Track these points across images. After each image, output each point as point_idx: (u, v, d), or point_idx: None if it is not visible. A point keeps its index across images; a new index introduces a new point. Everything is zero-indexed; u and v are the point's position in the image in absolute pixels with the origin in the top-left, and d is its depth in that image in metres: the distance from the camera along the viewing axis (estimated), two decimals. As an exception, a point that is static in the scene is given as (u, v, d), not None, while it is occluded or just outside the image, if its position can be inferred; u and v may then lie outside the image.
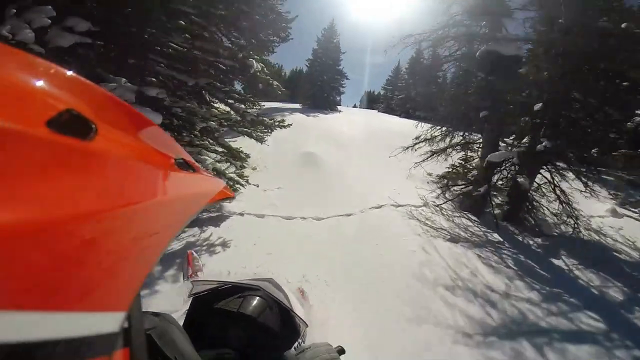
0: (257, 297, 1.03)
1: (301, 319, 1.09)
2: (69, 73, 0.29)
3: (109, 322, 0.25)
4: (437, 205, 5.81)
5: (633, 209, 6.97)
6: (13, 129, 0.18)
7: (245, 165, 5.15)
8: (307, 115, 15.07)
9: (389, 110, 31.91)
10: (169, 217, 0.35)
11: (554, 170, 5.35)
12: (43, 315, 0.19)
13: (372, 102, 72.87)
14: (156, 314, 0.75)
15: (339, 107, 24.50)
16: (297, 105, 24.41)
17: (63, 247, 0.20)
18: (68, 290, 0.21)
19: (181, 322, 0.97)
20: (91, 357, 0.23)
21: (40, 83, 0.25)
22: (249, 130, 4.89)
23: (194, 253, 2.02)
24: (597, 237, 5.39)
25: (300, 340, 1.09)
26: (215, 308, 0.98)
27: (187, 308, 1.04)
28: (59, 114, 0.22)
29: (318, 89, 24.79)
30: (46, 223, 0.18)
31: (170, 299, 1.91)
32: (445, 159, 6.61)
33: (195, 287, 1.08)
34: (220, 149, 4.64)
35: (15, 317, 0.17)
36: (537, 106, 5.08)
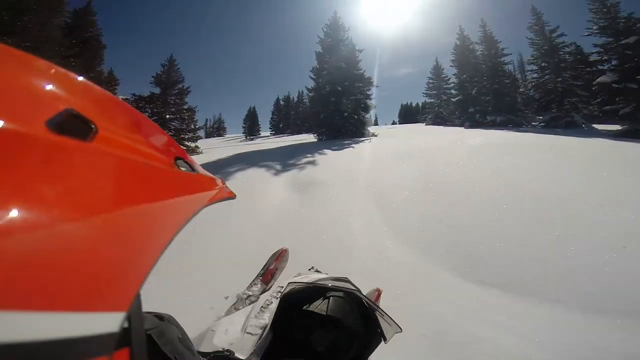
0: (342, 298, 1.01)
1: (393, 320, 1.04)
2: (69, 73, 0.29)
3: (109, 322, 0.24)
4: None
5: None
6: (13, 129, 0.18)
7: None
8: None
9: (440, 120, 27.15)
10: (169, 217, 0.35)
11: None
12: (43, 315, 0.19)
13: (411, 115, 70.07)
14: (156, 314, 0.74)
15: (370, 130, 16.94)
16: (308, 138, 18.53)
17: (63, 247, 0.20)
18: (68, 290, 0.21)
19: (259, 322, 1.01)
20: (91, 357, 0.23)
21: (40, 83, 0.26)
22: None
23: (288, 252, 2.05)
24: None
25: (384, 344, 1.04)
26: (304, 310, 0.97)
27: (275, 309, 1.02)
28: (59, 114, 0.22)
29: (333, 107, 16.35)
30: (46, 223, 0.18)
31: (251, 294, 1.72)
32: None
33: (286, 287, 1.07)
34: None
35: (15, 317, 0.17)
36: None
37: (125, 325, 0.29)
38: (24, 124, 0.19)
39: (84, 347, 0.22)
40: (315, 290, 1.03)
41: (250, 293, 1.72)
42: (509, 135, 11.87)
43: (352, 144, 12.48)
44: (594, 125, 17.75)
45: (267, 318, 1.03)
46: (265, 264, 2.02)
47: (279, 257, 2.04)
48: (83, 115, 0.25)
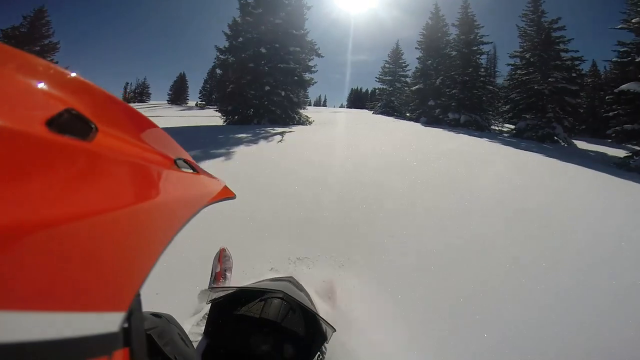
0: (279, 300, 0.99)
1: (327, 322, 1.04)
2: (69, 73, 0.29)
3: (109, 322, 0.25)
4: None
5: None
6: (13, 129, 0.18)
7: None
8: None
9: (389, 110, 24.74)
10: (169, 217, 0.34)
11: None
12: (43, 315, 0.19)
13: (360, 100, 69.01)
14: (156, 314, 0.75)
15: (305, 114, 12.61)
16: (209, 116, 13.64)
17: (63, 248, 0.20)
18: (68, 291, 0.21)
19: (200, 329, 1.00)
20: (91, 357, 0.23)
21: (40, 83, 0.26)
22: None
23: (227, 250, 2.02)
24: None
25: (326, 344, 1.04)
26: (237, 314, 0.95)
27: (207, 315, 1.01)
28: (58, 114, 0.22)
29: (251, 77, 10.71)
30: (46, 223, 0.18)
31: (193, 303, 1.67)
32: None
33: (213, 293, 1.05)
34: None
35: (16, 317, 0.18)
36: None
37: (125, 325, 0.29)
38: (23, 123, 0.19)
39: (84, 347, 0.22)
40: (249, 294, 1.00)
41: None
42: (497, 148, 8.55)
43: (261, 137, 7.96)
44: (575, 141, 14.29)
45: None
46: (211, 270, 1.93)
47: (220, 258, 1.95)
48: (83, 115, 0.24)
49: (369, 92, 78.38)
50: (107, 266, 0.24)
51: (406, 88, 24.22)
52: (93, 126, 0.24)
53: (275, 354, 0.90)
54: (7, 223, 0.16)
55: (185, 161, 0.42)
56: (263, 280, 1.15)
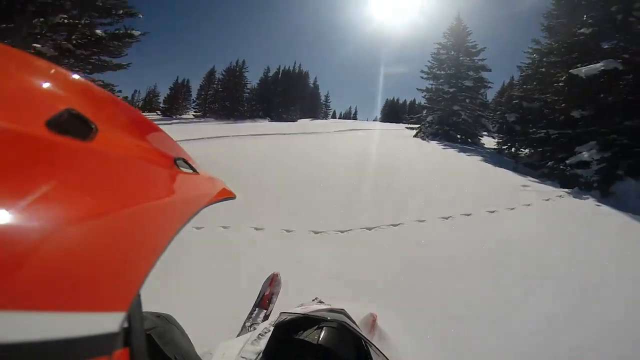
0: (335, 329, 1.02)
1: (383, 354, 1.06)
2: (69, 73, 0.29)
3: (109, 322, 0.24)
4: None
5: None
6: (13, 129, 0.18)
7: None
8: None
9: (447, 133, 15.60)
10: (169, 217, 0.35)
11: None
12: (43, 315, 0.19)
13: (395, 112, 66.62)
14: (156, 314, 0.74)
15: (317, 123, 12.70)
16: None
17: (63, 248, 0.20)
18: (68, 290, 0.21)
19: (255, 348, 1.04)
20: (91, 357, 0.23)
21: (40, 83, 0.26)
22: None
23: (279, 276, 2.12)
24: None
25: None
26: (296, 339, 0.98)
27: (269, 337, 1.05)
28: (58, 114, 0.22)
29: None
30: (46, 223, 0.18)
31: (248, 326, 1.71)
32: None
33: (283, 316, 1.07)
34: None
35: (15, 317, 0.18)
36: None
37: (125, 325, 0.29)
38: (23, 123, 0.19)
39: (84, 347, 0.22)
40: (308, 320, 1.03)
41: (252, 322, 1.76)
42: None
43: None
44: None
45: (262, 344, 1.05)
46: (260, 291, 2.05)
47: (272, 281, 2.08)
48: (83, 115, 0.24)
49: (407, 102, 75.09)
50: (107, 266, 0.24)
51: (482, 92, 16.43)
52: (93, 126, 0.24)
53: None
54: (6, 222, 0.16)
55: (185, 161, 0.42)
56: (317, 309, 1.16)
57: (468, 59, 17.19)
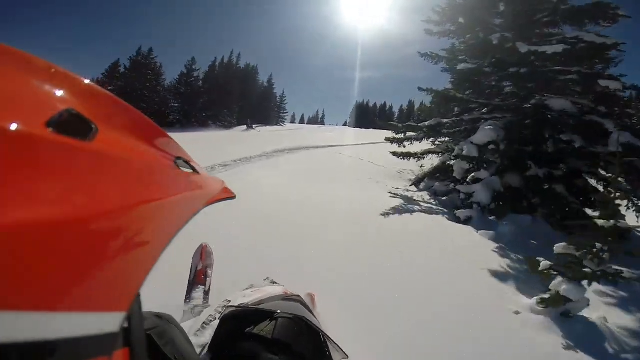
0: (291, 321, 0.98)
1: (340, 348, 1.03)
2: (69, 73, 0.29)
3: (109, 322, 0.25)
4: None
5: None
6: (12, 129, 0.18)
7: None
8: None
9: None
10: (169, 217, 0.35)
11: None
12: (43, 315, 0.19)
13: (366, 117, 66.63)
14: (156, 314, 0.74)
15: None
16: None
17: (63, 248, 0.20)
18: (68, 290, 0.21)
19: (198, 340, 0.98)
20: (91, 357, 0.23)
21: (40, 83, 0.26)
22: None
23: (209, 247, 1.99)
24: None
25: None
26: (249, 333, 0.93)
27: (216, 330, 0.99)
28: (58, 113, 0.22)
29: None
30: (46, 224, 0.18)
31: (184, 313, 1.55)
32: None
33: (228, 310, 1.03)
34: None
35: (15, 317, 0.18)
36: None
37: (125, 325, 0.29)
38: (23, 123, 0.19)
39: (84, 347, 0.22)
40: (261, 313, 0.99)
41: (195, 304, 1.64)
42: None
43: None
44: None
45: (207, 336, 1.00)
46: (191, 267, 1.91)
47: (202, 254, 1.95)
48: (83, 115, 0.24)
49: (378, 106, 73.71)
50: (108, 266, 0.24)
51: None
52: (93, 126, 0.24)
53: None
54: (7, 223, 0.16)
55: (185, 161, 0.43)
56: (271, 297, 1.15)
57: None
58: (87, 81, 0.31)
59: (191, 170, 0.43)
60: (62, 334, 0.20)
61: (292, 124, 59.37)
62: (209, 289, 1.83)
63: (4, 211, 0.17)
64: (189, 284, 1.84)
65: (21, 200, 0.18)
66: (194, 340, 0.95)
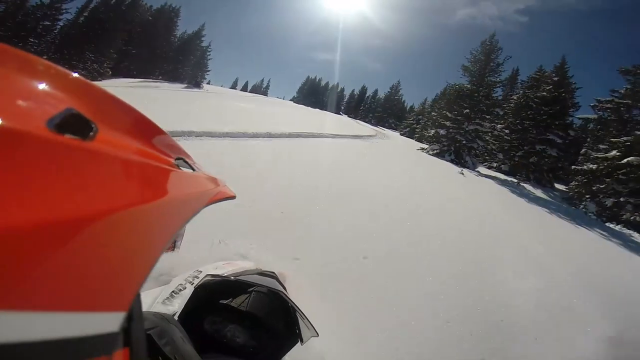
0: (265, 295, 1.01)
1: (312, 325, 1.04)
2: (70, 73, 0.29)
3: (109, 322, 0.25)
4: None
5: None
6: (12, 128, 0.18)
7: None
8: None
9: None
10: (169, 216, 0.35)
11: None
12: (43, 315, 0.19)
13: (315, 94, 63.62)
14: (156, 314, 0.74)
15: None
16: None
17: (63, 247, 0.20)
18: (68, 290, 0.21)
19: (167, 308, 0.96)
20: (91, 357, 0.23)
21: (40, 83, 0.26)
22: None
23: None
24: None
25: (300, 345, 1.04)
26: (221, 304, 0.96)
27: (188, 299, 0.98)
28: (58, 114, 0.22)
29: None
30: (46, 223, 0.18)
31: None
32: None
33: (203, 277, 1.04)
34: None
35: (15, 317, 0.18)
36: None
37: (125, 325, 0.29)
38: (23, 123, 0.19)
39: (84, 347, 0.22)
40: (234, 284, 1.00)
41: (160, 272, 1.56)
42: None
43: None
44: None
45: (176, 305, 0.97)
46: None
47: None
48: (83, 115, 0.24)
49: (329, 86, 69.80)
50: (108, 266, 0.24)
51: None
52: (93, 126, 0.24)
53: (248, 347, 0.91)
54: (7, 223, 0.16)
55: (185, 161, 0.42)
56: (246, 271, 1.15)
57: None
58: (88, 81, 0.31)
59: (191, 170, 0.43)
60: (62, 334, 0.20)
61: (222, 88, 47.61)
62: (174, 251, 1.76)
63: (3, 211, 0.17)
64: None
65: (21, 200, 0.18)
66: (161, 308, 0.94)
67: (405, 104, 60.05)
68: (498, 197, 9.41)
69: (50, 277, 0.19)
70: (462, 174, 12.11)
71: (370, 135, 16.87)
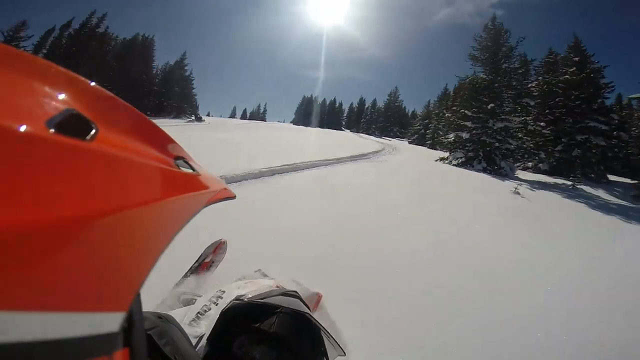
0: (290, 317, 0.99)
1: (338, 344, 1.03)
2: (70, 73, 0.29)
3: (109, 322, 0.25)
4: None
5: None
6: (12, 129, 0.18)
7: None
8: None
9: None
10: (169, 217, 0.35)
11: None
12: (43, 315, 0.19)
13: (308, 115, 64.10)
14: (156, 314, 0.74)
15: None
16: None
17: (63, 248, 0.20)
18: (68, 291, 0.21)
19: (194, 330, 0.96)
20: (91, 357, 0.23)
21: (40, 83, 0.26)
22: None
23: (226, 244, 1.96)
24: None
25: None
26: (248, 327, 0.94)
27: (214, 319, 0.99)
28: (58, 114, 0.22)
29: None
30: (46, 224, 0.18)
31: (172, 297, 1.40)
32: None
33: (229, 303, 1.03)
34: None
35: (15, 317, 0.18)
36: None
37: (125, 325, 0.29)
38: (23, 123, 0.19)
39: (84, 347, 0.22)
40: (261, 307, 0.99)
41: (184, 290, 1.55)
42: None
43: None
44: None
45: (203, 327, 0.97)
46: (201, 256, 1.87)
47: (217, 248, 1.91)
48: (83, 115, 0.24)
49: (327, 102, 70.08)
50: (108, 267, 0.24)
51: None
52: (93, 126, 0.24)
53: None
54: (7, 223, 0.16)
55: (185, 161, 0.43)
56: (270, 292, 1.14)
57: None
58: (88, 81, 0.31)
59: (191, 170, 0.43)
60: (62, 334, 0.20)
61: (221, 119, 47.17)
62: (203, 283, 1.76)
63: (3, 211, 0.17)
64: (190, 270, 1.81)
65: (21, 200, 0.17)
66: (188, 330, 0.95)
67: (407, 110, 59.90)
68: (593, 227, 6.21)
69: (50, 278, 0.19)
70: (518, 192, 8.67)
71: (376, 151, 14.14)
